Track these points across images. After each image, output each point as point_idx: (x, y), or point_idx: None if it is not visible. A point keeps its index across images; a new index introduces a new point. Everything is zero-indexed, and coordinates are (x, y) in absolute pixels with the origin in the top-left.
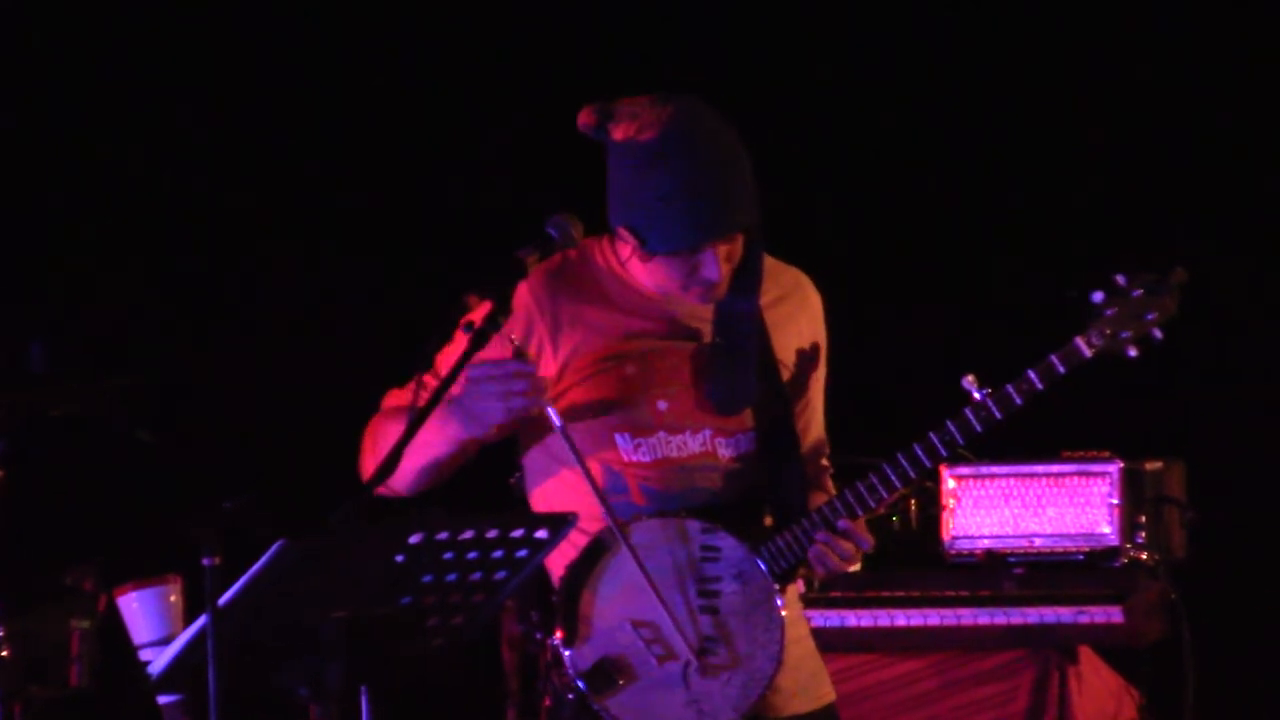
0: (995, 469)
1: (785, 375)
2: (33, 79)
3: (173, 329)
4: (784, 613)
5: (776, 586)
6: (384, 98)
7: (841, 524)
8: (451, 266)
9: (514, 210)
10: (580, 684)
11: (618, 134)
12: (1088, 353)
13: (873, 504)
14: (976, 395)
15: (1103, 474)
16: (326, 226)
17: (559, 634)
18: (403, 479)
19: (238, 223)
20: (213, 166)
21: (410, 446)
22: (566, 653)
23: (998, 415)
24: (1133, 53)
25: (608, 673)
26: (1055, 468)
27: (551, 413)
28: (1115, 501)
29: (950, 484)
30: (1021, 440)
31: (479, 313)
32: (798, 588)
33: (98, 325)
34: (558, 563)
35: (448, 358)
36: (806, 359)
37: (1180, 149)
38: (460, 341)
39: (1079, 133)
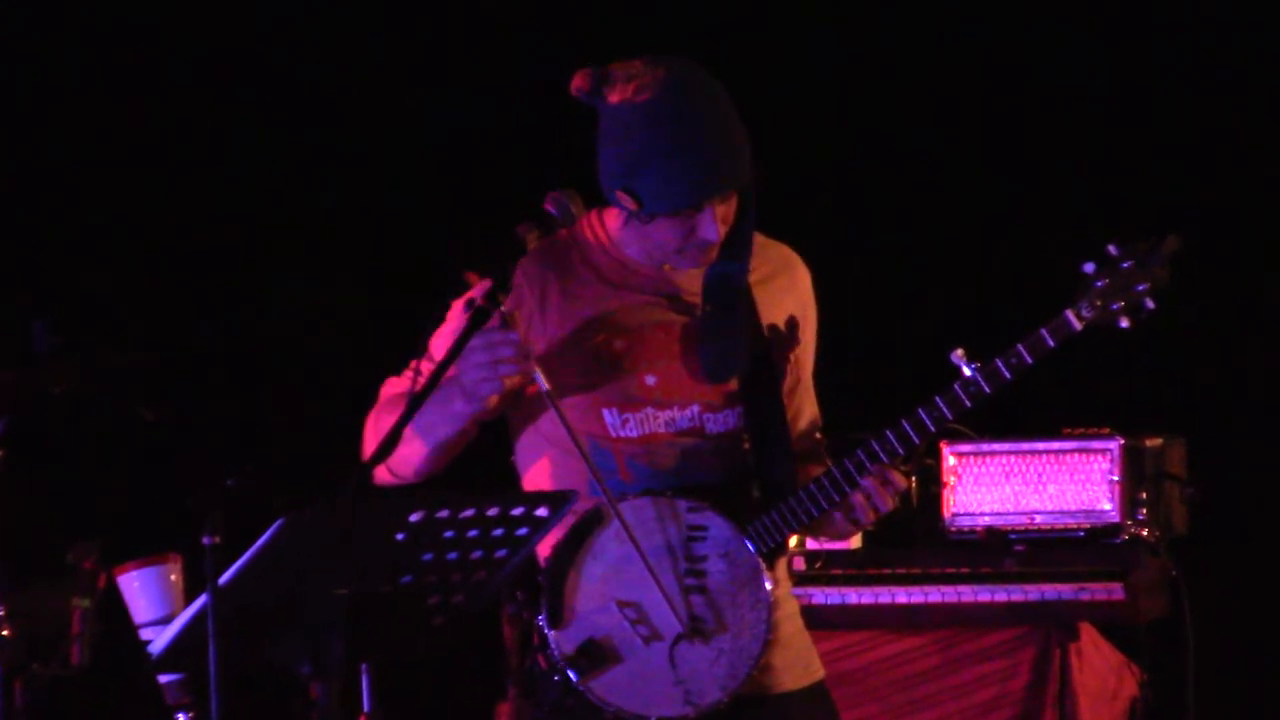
0: (996, 446)
1: (775, 351)
2: (27, 61)
3: (174, 306)
4: (771, 590)
5: (764, 565)
6: (373, 80)
7: (867, 479)
8: (452, 246)
9: (513, 191)
10: (565, 666)
11: (614, 97)
12: (1077, 325)
13: (861, 481)
14: (966, 370)
15: (1103, 451)
16: (328, 202)
17: (544, 615)
18: (411, 465)
19: (237, 201)
20: (209, 147)
21: (415, 432)
22: (551, 634)
23: (987, 390)
24: (1126, 21)
25: (593, 654)
26: (1056, 445)
27: (539, 377)
28: (1116, 478)
29: (951, 461)
30: (1022, 417)
31: (479, 290)
32: (788, 564)
33: (99, 303)
34: (544, 541)
35: (441, 339)
36: (796, 336)
37: (1181, 118)
38: (454, 321)
39: (1077, 100)
